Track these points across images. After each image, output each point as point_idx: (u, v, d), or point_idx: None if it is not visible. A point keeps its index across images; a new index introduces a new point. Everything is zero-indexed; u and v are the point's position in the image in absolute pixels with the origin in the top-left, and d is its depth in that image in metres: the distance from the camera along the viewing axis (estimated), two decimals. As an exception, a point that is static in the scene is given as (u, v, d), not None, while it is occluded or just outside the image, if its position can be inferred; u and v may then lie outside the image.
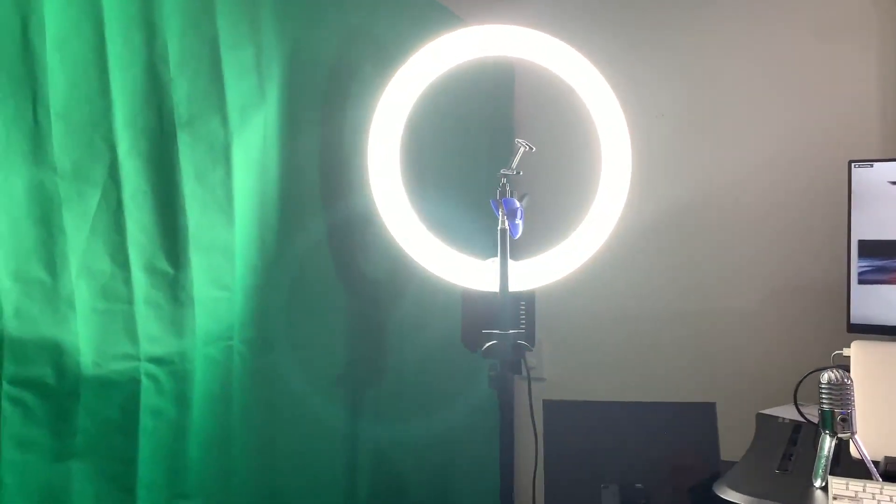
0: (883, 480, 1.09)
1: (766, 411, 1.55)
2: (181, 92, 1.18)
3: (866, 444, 1.18)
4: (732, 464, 1.29)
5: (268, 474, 1.34)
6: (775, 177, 1.78)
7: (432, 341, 1.62)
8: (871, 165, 1.46)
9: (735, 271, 1.83)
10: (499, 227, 1.38)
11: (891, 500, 1.01)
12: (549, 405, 1.44)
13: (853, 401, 1.13)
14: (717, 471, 1.32)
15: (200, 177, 1.20)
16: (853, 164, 1.47)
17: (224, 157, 1.24)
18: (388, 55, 1.52)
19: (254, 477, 1.31)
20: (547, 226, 1.59)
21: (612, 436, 1.40)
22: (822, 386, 1.14)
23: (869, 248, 1.45)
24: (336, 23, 1.50)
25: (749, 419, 1.47)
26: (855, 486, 1.05)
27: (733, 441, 1.45)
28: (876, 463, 1.14)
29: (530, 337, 1.44)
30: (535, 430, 1.41)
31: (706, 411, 1.40)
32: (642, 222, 1.86)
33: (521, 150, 1.39)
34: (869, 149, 1.69)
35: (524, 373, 1.42)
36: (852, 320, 1.45)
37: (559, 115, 1.87)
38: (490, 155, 1.91)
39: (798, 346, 1.66)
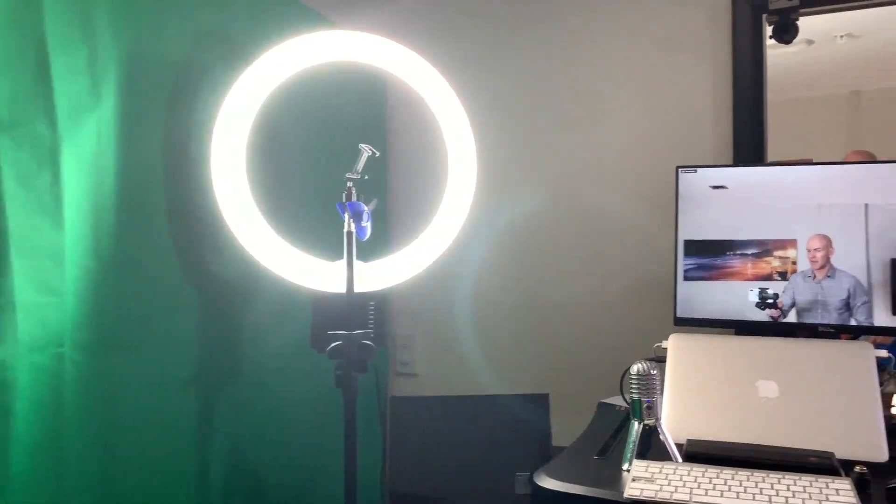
0: (686, 461, 1.20)
1: (607, 400, 1.66)
2: (2, 94, 1.15)
3: (676, 428, 1.29)
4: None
5: (108, 480, 1.32)
6: (615, 178, 1.91)
7: (286, 343, 1.64)
8: (696, 171, 1.58)
9: (583, 268, 1.95)
10: (345, 230, 1.42)
11: (681, 479, 1.10)
12: (395, 402, 1.48)
13: (658, 390, 1.22)
14: (550, 458, 1.40)
15: (23, 180, 1.17)
16: (680, 170, 1.59)
17: (51, 159, 1.21)
18: (242, 55, 1.51)
19: (91, 483, 1.29)
20: (416, 228, 1.64)
21: (454, 428, 1.47)
22: (632, 376, 1.23)
23: (693, 248, 1.57)
24: (183, 22, 1.49)
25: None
26: (654, 467, 1.14)
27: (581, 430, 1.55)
28: (682, 445, 1.24)
29: (380, 336, 1.48)
30: (382, 426, 1.45)
31: (541, 402, 1.47)
32: (496, 219, 1.97)
33: (365, 154, 1.43)
34: (705, 155, 1.83)
35: (370, 370, 1.46)
36: (678, 314, 1.57)
37: (432, 120, 1.93)
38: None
39: (637, 337, 1.78)
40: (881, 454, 1.15)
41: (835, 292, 1.44)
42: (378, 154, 1.44)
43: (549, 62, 1.99)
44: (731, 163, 1.78)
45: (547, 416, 1.48)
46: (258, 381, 1.65)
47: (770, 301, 1.50)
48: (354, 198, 1.42)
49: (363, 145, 1.43)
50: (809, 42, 3.17)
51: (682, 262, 1.56)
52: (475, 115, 1.59)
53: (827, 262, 1.45)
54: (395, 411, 1.46)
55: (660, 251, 1.70)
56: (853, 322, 1.42)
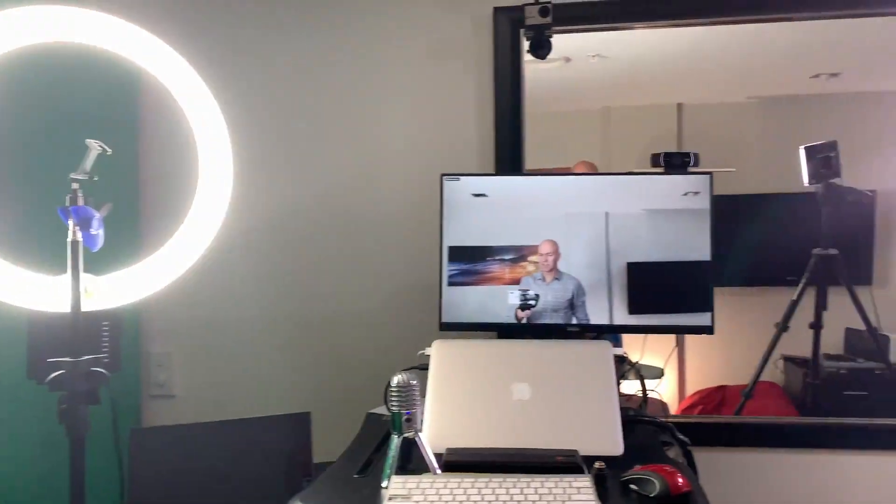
0: (445, 471, 1.19)
1: (376, 410, 1.63)
2: None
3: (437, 436, 1.28)
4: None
5: None
6: (383, 184, 1.89)
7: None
8: (458, 179, 1.60)
9: (349, 276, 1.90)
10: (69, 239, 1.22)
11: (437, 493, 1.08)
12: (135, 434, 1.32)
13: (418, 400, 1.20)
14: (311, 479, 1.33)
15: None
16: (444, 178, 1.60)
17: None
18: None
19: None
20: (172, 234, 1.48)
21: (205, 458, 1.33)
22: (392, 389, 1.19)
23: (456, 254, 1.58)
24: None
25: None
26: (412, 482, 1.11)
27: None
28: (442, 455, 1.23)
29: (115, 360, 1.30)
30: (120, 464, 1.28)
31: (301, 421, 1.40)
32: (254, 226, 1.86)
33: (94, 151, 1.25)
34: (470, 163, 1.87)
35: (103, 400, 1.28)
36: (443, 319, 1.57)
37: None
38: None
39: (404, 344, 1.77)
40: (617, 448, 1.23)
41: (561, 293, 1.54)
42: (110, 151, 1.26)
43: (316, 65, 1.92)
44: (494, 171, 1.83)
45: (308, 436, 1.41)
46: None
47: (532, 303, 1.56)
48: (82, 202, 1.24)
49: (91, 141, 1.25)
50: (567, 59, 3.44)
51: (447, 268, 1.57)
52: (235, 116, 1.48)
53: (555, 265, 1.54)
54: (139, 445, 1.30)
55: (427, 257, 1.71)
56: (574, 320, 1.53)
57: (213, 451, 1.35)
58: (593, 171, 2.44)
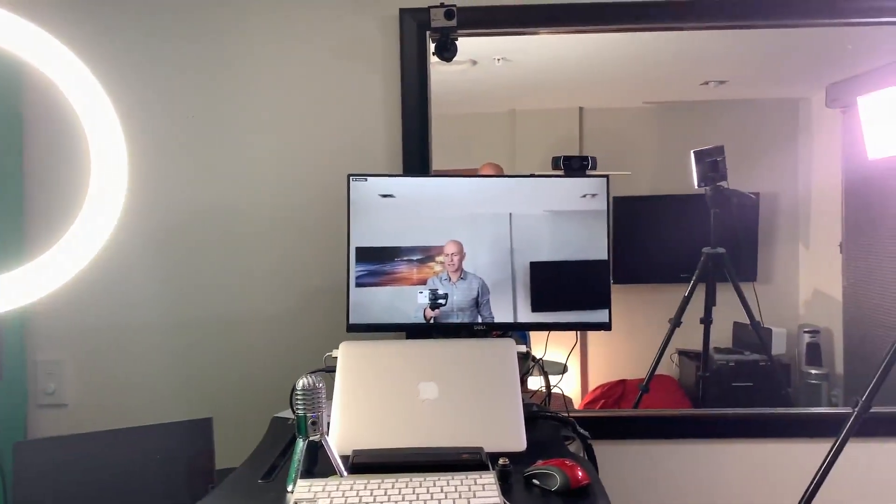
0: (352, 473, 1.18)
1: (281, 414, 1.60)
2: None
3: (344, 439, 1.27)
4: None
5: None
6: (290, 185, 1.86)
7: None
8: (366, 179, 1.60)
9: (253, 278, 1.86)
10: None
11: (343, 495, 1.08)
12: (20, 447, 1.24)
13: (324, 403, 1.19)
14: (214, 485, 1.30)
15: None
16: (351, 178, 1.59)
17: None
18: None
19: None
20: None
21: (99, 470, 1.27)
22: (297, 392, 1.18)
23: (364, 254, 1.58)
24: None
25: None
26: (317, 485, 1.11)
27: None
28: (349, 457, 1.23)
29: (-3, 369, 1.22)
30: (1, 476, 1.20)
31: (202, 427, 1.36)
32: (150, 227, 1.79)
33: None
34: (378, 164, 1.86)
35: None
36: (351, 321, 1.57)
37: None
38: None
39: (311, 347, 1.75)
40: (520, 444, 1.26)
41: (466, 292, 1.57)
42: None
43: (217, 63, 1.86)
44: (402, 172, 1.84)
45: (211, 442, 1.37)
46: None
47: (441, 301, 1.58)
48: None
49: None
50: (473, 62, 3.50)
51: (354, 269, 1.57)
52: (128, 115, 1.42)
53: (460, 265, 1.57)
54: (23, 459, 1.22)
55: (334, 259, 1.70)
56: (479, 318, 1.56)
57: (108, 462, 1.29)
58: (499, 173, 2.49)
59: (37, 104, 1.82)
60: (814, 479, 1.51)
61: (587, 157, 1.61)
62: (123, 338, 1.84)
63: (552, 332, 1.67)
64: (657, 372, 3.90)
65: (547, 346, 1.67)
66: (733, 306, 3.21)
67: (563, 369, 2.70)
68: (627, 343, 4.12)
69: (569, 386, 4.24)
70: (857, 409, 1.46)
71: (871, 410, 1.51)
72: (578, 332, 1.99)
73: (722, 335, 4.06)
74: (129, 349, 1.84)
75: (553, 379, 1.67)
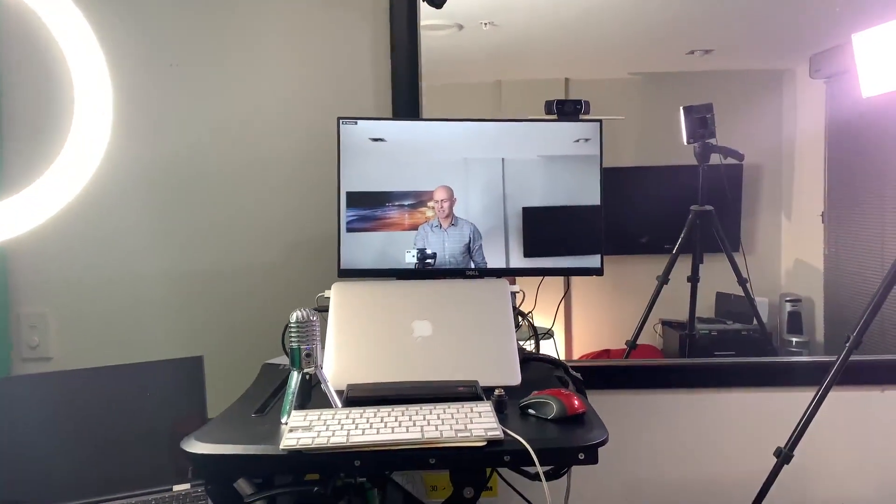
0: (346, 406, 1.18)
1: (272, 360, 1.59)
2: None
3: (338, 375, 1.27)
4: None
5: None
6: (278, 129, 1.83)
7: None
8: (356, 123, 1.57)
9: (242, 226, 1.84)
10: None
11: (339, 423, 1.07)
12: (3, 384, 1.21)
13: (318, 337, 1.18)
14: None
15: None
16: (341, 121, 1.57)
17: None
18: None
19: None
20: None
21: (86, 407, 1.25)
22: (291, 324, 1.17)
23: (355, 199, 1.56)
24: None
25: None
26: (312, 415, 1.10)
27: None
28: (343, 392, 1.22)
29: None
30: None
31: (193, 365, 1.34)
32: (137, 175, 1.77)
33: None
34: (368, 109, 1.83)
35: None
36: (342, 266, 1.55)
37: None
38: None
39: (301, 293, 1.73)
40: (515, 378, 1.26)
41: (458, 238, 1.56)
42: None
43: (205, 6, 1.82)
44: (391, 116, 1.81)
45: (202, 381, 1.35)
46: None
47: (429, 261, 1.56)
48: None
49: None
50: (460, 27, 3.47)
51: (345, 214, 1.55)
52: (112, 57, 1.38)
53: (451, 211, 1.56)
54: (7, 396, 1.19)
55: (324, 205, 1.67)
56: (472, 264, 1.55)
57: (97, 399, 1.26)
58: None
59: (14, 37, 1.77)
60: (804, 414, 1.53)
61: (580, 101, 1.60)
62: (108, 290, 1.81)
63: (538, 299, 1.65)
64: (641, 342, 3.93)
65: (536, 302, 1.65)
66: (717, 275, 3.23)
67: (549, 334, 2.71)
68: (612, 313, 4.15)
69: (554, 354, 4.26)
70: (848, 344, 1.47)
71: (853, 359, 1.53)
72: (564, 301, 1.98)
73: (705, 304, 4.10)
74: (114, 301, 1.81)
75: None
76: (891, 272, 1.46)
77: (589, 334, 4.26)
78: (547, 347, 1.91)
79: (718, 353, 4.01)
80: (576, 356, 4.25)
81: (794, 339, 4.04)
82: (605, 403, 1.87)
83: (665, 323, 3.98)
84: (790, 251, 4.31)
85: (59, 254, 1.80)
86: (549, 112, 1.61)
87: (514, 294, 1.41)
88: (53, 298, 1.82)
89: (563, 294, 2.04)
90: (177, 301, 1.82)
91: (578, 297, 4.21)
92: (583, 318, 4.26)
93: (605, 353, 3.95)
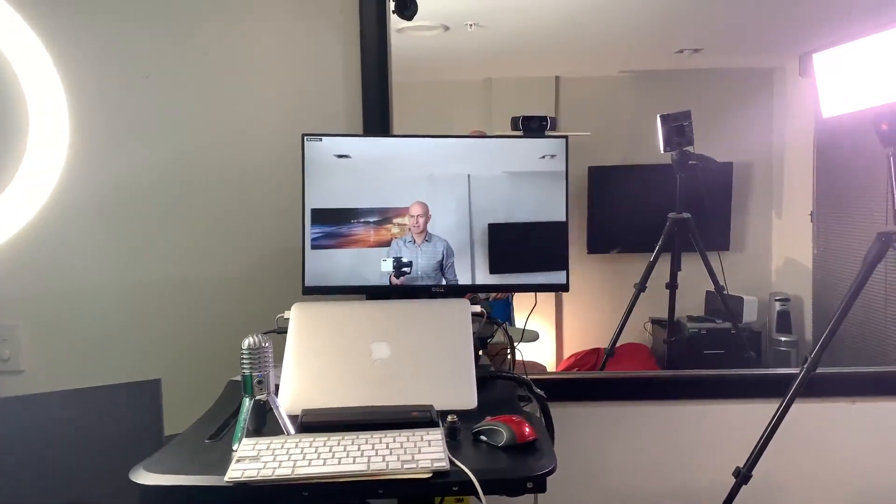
0: (301, 432, 1.18)
1: (238, 377, 1.59)
2: None
3: (295, 399, 1.26)
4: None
5: None
6: (247, 145, 1.83)
7: None
8: (321, 140, 1.57)
9: (206, 241, 1.84)
10: None
11: (287, 452, 1.07)
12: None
13: (271, 362, 1.18)
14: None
15: None
16: (306, 138, 1.56)
17: None
18: None
19: None
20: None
21: (40, 432, 1.25)
22: (243, 351, 1.17)
23: (320, 216, 1.56)
24: None
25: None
26: (262, 444, 1.10)
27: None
28: (297, 418, 1.22)
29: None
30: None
31: (151, 388, 1.34)
32: (103, 189, 1.76)
33: None
34: (338, 124, 1.83)
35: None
36: (306, 283, 1.55)
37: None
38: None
39: (266, 311, 1.74)
40: (471, 402, 1.26)
41: (431, 255, 1.55)
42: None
43: (170, 19, 1.81)
44: (362, 132, 1.81)
45: (159, 404, 1.35)
46: None
47: (406, 270, 1.56)
48: None
49: None
50: (446, 28, 3.45)
51: (310, 231, 1.55)
52: (74, 70, 1.38)
53: (425, 227, 1.55)
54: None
55: (289, 221, 1.67)
56: (444, 281, 1.55)
57: (51, 425, 1.27)
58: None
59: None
60: (763, 434, 1.53)
61: (546, 117, 1.59)
62: (79, 303, 1.81)
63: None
64: (631, 340, 3.93)
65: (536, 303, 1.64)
66: (705, 274, 3.21)
67: (535, 336, 2.71)
68: (602, 312, 4.15)
69: (545, 354, 4.27)
70: (805, 366, 1.47)
71: (818, 371, 1.53)
72: (556, 303, 1.98)
73: (694, 303, 4.10)
74: (84, 314, 1.82)
75: (527, 347, 1.66)
76: (847, 296, 1.46)
77: (580, 333, 4.26)
78: (532, 351, 1.91)
79: (708, 351, 4.01)
80: (566, 355, 4.26)
81: (783, 338, 4.04)
82: (574, 416, 1.88)
83: (655, 321, 3.98)
84: (780, 250, 4.30)
85: (30, 266, 1.80)
86: (514, 128, 1.60)
87: (475, 315, 1.41)
88: (24, 312, 1.82)
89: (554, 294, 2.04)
90: (146, 315, 1.83)
91: (571, 295, 4.21)
92: (574, 315, 4.27)
93: (595, 352, 3.96)
